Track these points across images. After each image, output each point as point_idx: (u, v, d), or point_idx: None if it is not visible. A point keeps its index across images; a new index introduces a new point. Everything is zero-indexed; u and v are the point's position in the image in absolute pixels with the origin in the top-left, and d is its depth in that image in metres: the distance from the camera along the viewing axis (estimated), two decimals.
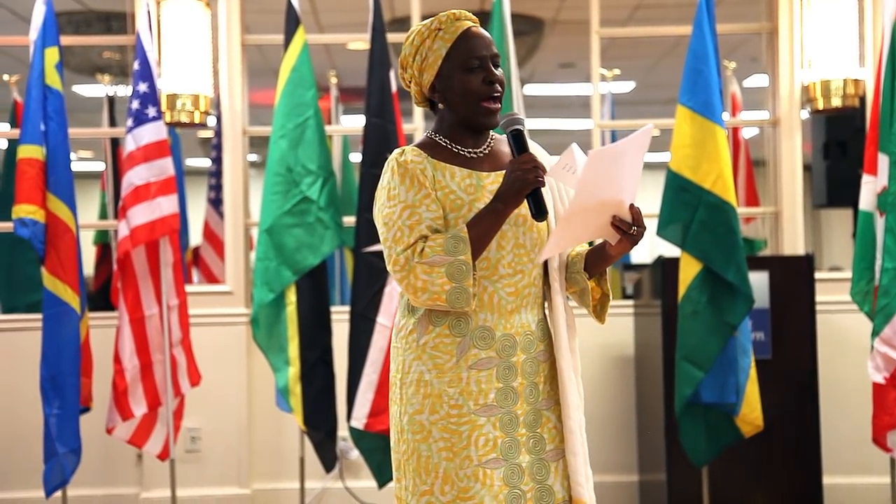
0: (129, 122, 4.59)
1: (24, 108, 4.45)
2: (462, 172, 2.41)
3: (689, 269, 4.33)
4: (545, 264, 2.47)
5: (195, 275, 6.96)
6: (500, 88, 2.42)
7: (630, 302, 5.55)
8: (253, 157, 10.02)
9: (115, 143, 6.27)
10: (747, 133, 6.98)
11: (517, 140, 2.38)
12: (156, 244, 4.59)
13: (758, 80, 8.45)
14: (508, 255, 2.40)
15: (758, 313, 4.61)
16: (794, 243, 5.39)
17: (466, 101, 2.40)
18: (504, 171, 2.39)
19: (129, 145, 4.58)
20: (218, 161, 6.28)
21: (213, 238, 6.41)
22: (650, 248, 10.36)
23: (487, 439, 2.35)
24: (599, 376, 5.44)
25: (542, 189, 2.35)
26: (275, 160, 4.72)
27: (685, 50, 4.54)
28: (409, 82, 2.49)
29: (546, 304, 2.51)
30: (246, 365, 5.31)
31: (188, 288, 4.93)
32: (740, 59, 6.84)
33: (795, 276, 4.77)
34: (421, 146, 2.44)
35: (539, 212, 2.33)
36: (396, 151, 2.43)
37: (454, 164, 2.42)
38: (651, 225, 4.64)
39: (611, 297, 2.54)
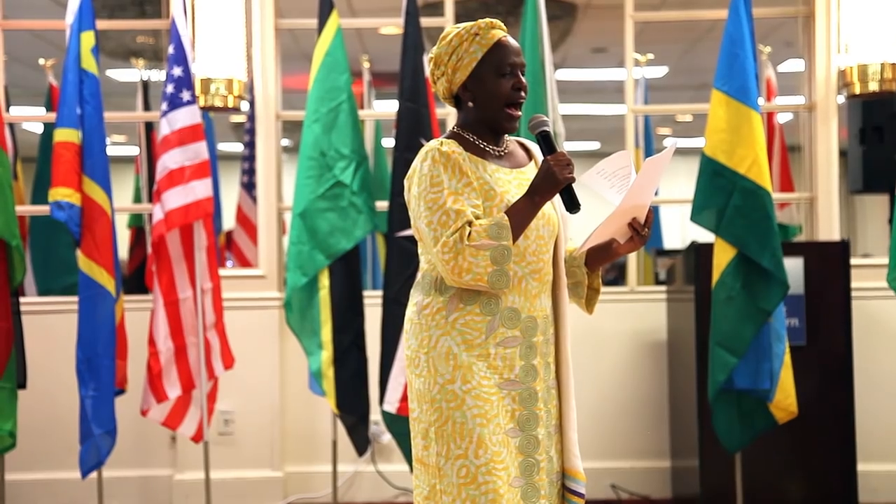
0: (164, 106, 4.61)
1: (61, 92, 4.49)
2: (492, 167, 2.61)
3: (724, 255, 4.31)
4: (555, 255, 2.66)
5: (228, 259, 6.99)
6: (524, 95, 2.64)
7: (663, 288, 5.53)
8: (285, 142, 10.04)
9: (149, 128, 6.30)
10: (782, 118, 6.92)
11: (546, 140, 2.58)
12: (190, 228, 4.62)
13: (793, 65, 8.37)
14: (533, 245, 2.58)
15: (792, 299, 4.59)
16: (829, 229, 5.35)
17: (494, 103, 2.61)
18: (523, 168, 2.67)
19: (164, 129, 4.60)
20: (251, 145, 6.30)
21: (246, 222, 6.43)
22: (682, 233, 10.31)
23: (507, 410, 2.55)
24: (632, 362, 5.43)
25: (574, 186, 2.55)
26: (308, 144, 4.73)
27: (718, 34, 4.51)
28: (439, 78, 2.66)
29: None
30: (279, 348, 5.34)
31: (222, 272, 4.96)
32: (775, 43, 6.78)
33: (830, 262, 4.74)
34: (451, 140, 2.61)
35: (573, 205, 2.53)
36: (435, 142, 2.58)
37: (484, 159, 2.61)
38: (685, 210, 4.64)
39: (600, 291, 2.77)
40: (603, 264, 2.72)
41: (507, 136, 2.72)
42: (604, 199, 2.64)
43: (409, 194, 2.59)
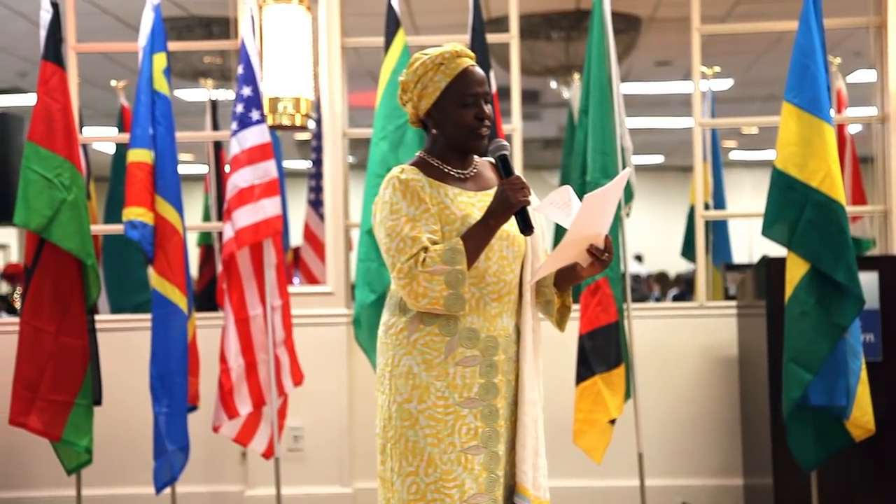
0: (234, 126, 4.66)
1: (134, 113, 4.55)
2: (454, 190, 2.69)
3: (797, 270, 4.24)
4: (520, 276, 2.74)
5: (295, 275, 7.04)
6: (488, 124, 2.72)
7: (733, 303, 5.47)
8: (351, 160, 10.11)
9: (218, 147, 6.38)
10: (852, 129, 6.82)
11: (504, 163, 2.68)
12: (260, 246, 4.66)
13: (862, 76, 8.25)
14: (494, 266, 2.67)
15: (867, 314, 4.50)
16: None
17: (459, 131, 2.69)
18: (489, 190, 2.73)
19: (234, 148, 4.64)
20: (318, 163, 6.35)
21: (313, 239, 6.48)
22: (750, 247, 10.20)
23: (469, 428, 2.63)
24: (702, 377, 5.37)
25: (529, 209, 2.63)
26: (376, 161, 4.75)
27: (784, 45, 4.47)
28: (406, 103, 2.77)
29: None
30: (347, 365, 5.36)
31: (290, 289, 4.99)
32: (844, 53, 6.69)
33: None
34: (416, 165, 2.72)
35: (527, 227, 2.62)
36: (396, 170, 2.69)
37: (446, 183, 2.70)
38: (752, 224, 4.58)
39: (571, 309, 2.85)
40: (569, 285, 2.81)
41: (477, 159, 2.79)
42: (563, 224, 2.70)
43: (374, 221, 2.69)
